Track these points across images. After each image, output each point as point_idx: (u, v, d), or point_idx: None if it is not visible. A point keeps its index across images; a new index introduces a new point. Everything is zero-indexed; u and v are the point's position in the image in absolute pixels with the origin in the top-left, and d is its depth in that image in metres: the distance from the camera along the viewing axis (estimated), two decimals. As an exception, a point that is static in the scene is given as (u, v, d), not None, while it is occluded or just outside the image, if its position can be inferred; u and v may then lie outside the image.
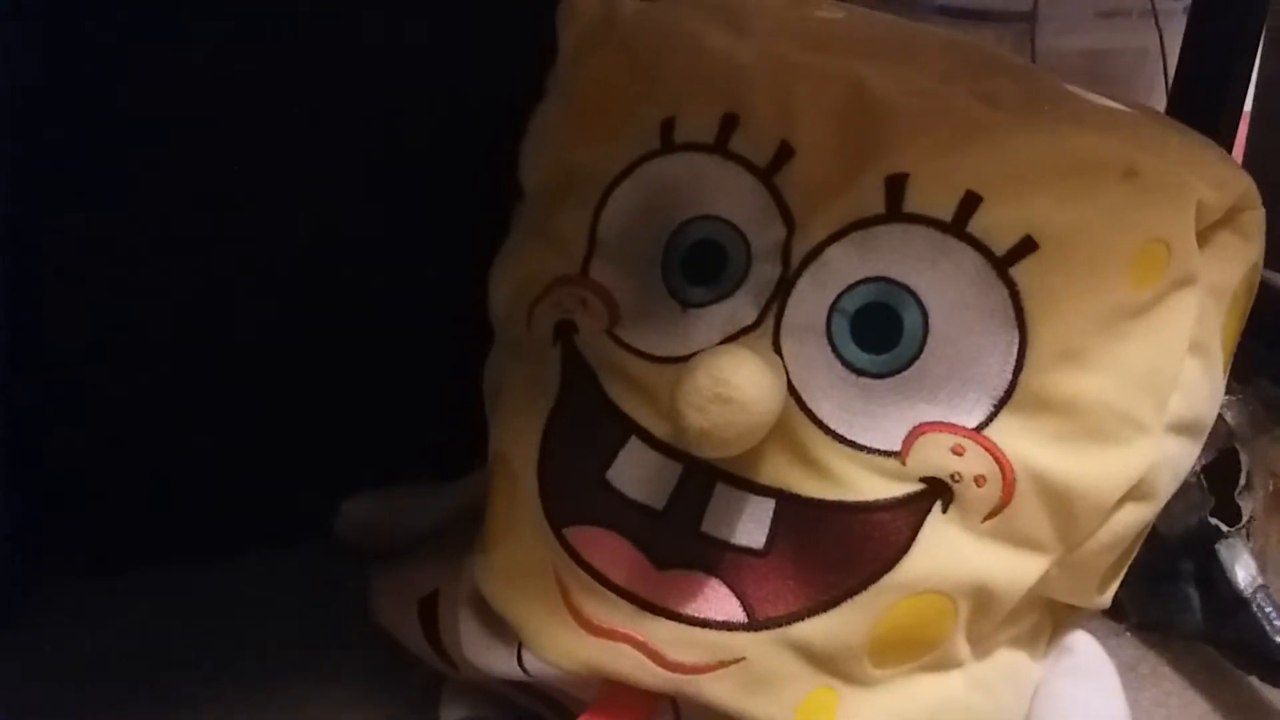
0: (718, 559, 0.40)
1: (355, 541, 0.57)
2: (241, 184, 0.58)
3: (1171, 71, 0.81)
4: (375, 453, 0.57)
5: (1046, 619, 0.47)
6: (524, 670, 0.42)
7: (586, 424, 0.43)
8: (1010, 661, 0.45)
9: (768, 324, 0.41)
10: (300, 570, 0.61)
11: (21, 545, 0.59)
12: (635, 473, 0.42)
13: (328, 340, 0.60)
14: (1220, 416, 0.55)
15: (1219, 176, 0.42)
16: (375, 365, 0.60)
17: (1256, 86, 0.78)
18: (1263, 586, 0.57)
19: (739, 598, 0.40)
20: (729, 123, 0.43)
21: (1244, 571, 0.57)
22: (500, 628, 0.43)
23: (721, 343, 0.41)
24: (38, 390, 0.59)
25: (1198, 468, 0.57)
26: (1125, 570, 0.46)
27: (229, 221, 0.59)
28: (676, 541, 0.41)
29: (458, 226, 0.54)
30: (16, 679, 0.55)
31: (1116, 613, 0.59)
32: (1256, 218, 0.44)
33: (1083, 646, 0.47)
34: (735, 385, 0.37)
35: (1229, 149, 0.68)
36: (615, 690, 0.41)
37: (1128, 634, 0.62)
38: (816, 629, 0.40)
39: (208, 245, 0.59)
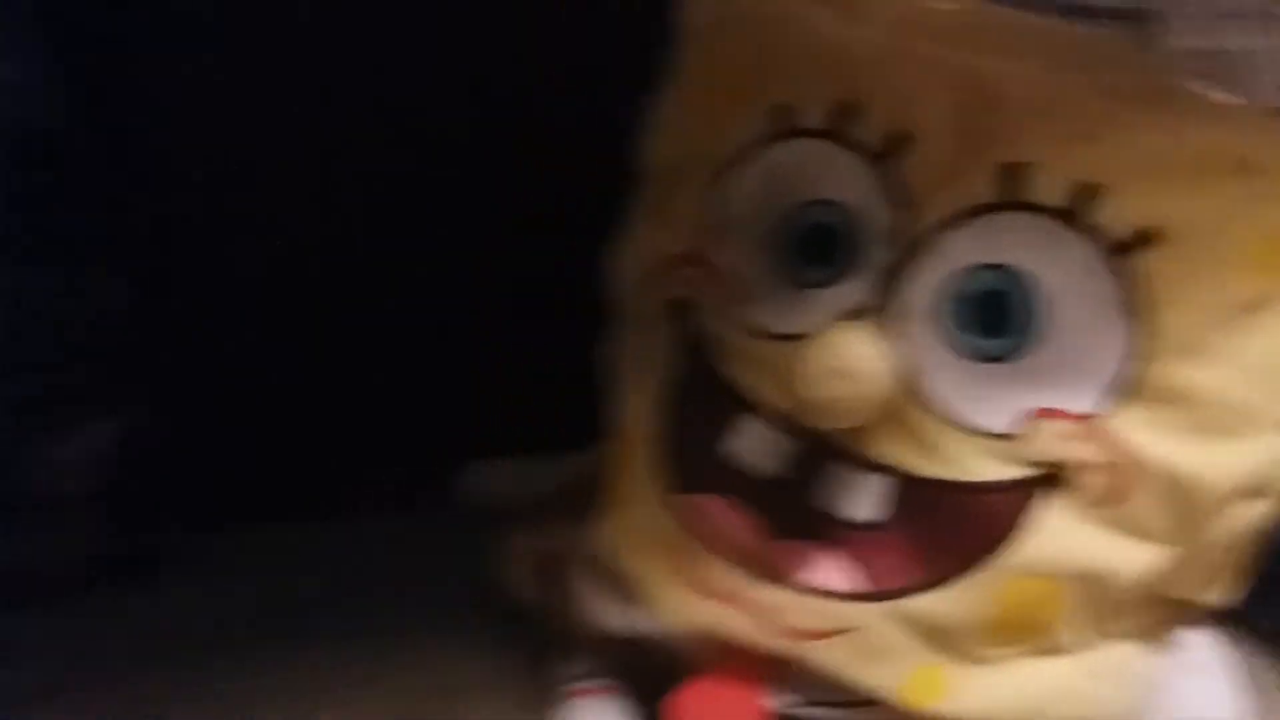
0: (834, 531, 0.42)
1: (476, 505, 0.60)
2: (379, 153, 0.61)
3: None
4: (497, 421, 0.60)
5: (1161, 614, 0.47)
6: (641, 630, 0.44)
7: (704, 398, 0.45)
8: (1121, 653, 0.45)
9: (883, 306, 0.42)
10: (425, 530, 0.64)
11: (156, 499, 0.63)
12: (752, 445, 0.43)
13: (459, 307, 0.62)
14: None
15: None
16: (503, 336, 0.63)
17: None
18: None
19: (855, 569, 0.41)
20: (846, 110, 0.44)
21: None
22: (619, 589, 0.45)
23: (837, 321, 0.42)
24: (172, 349, 0.63)
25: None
26: (1246, 571, 0.46)
27: (366, 179, 0.62)
28: (793, 512, 0.42)
29: (581, 203, 0.57)
30: (148, 630, 0.59)
31: (1241, 617, 0.58)
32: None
33: (1199, 644, 0.47)
34: (851, 360, 0.39)
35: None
36: (730, 653, 0.43)
37: (1253, 641, 0.61)
38: (929, 604, 0.41)
39: (344, 206, 0.62)
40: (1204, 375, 0.40)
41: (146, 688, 0.54)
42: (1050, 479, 0.40)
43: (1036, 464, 0.40)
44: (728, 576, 0.42)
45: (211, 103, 0.62)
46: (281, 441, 0.64)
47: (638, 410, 0.46)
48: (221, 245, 0.63)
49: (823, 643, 0.41)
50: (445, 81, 0.63)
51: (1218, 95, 0.45)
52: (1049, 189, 0.40)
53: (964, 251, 0.41)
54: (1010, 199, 0.41)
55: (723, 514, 0.43)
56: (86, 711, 0.53)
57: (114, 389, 0.59)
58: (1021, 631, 0.42)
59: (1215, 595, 0.46)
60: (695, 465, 0.44)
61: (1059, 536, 0.41)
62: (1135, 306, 0.40)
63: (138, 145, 0.62)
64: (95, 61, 0.60)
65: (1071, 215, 0.40)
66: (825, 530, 0.42)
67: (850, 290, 0.43)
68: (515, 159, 0.63)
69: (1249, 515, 0.43)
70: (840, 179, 0.44)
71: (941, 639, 0.41)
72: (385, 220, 0.64)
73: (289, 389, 0.64)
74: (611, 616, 0.45)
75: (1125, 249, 0.40)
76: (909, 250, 0.42)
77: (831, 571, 0.42)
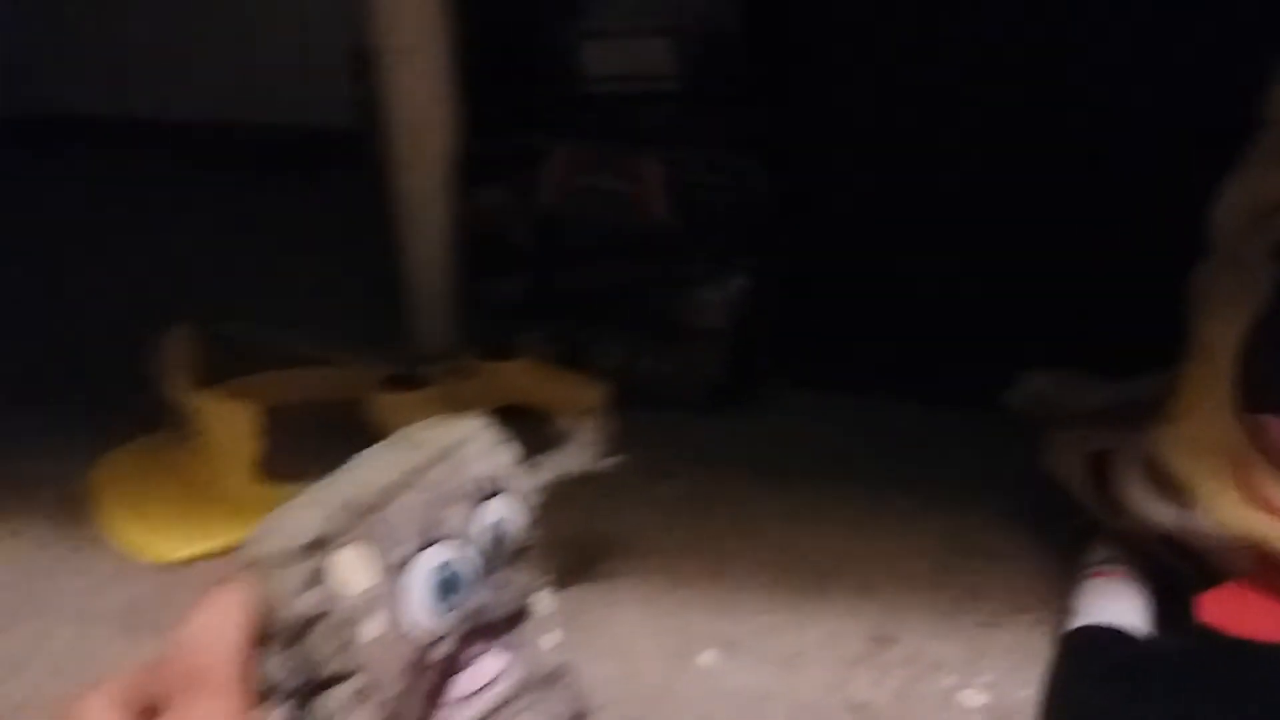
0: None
1: (1023, 410, 0.66)
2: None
3: None
4: (1052, 334, 0.66)
5: None
6: (1185, 527, 0.49)
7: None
8: None
9: None
10: (974, 425, 0.71)
11: (764, 345, 0.76)
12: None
13: (1053, 227, 0.68)
14: None
15: None
16: (1089, 257, 0.68)
17: None
18: None
19: None
20: None
21: None
22: (1169, 487, 0.49)
23: None
24: (795, 228, 0.74)
25: None
26: None
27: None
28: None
29: (1191, 148, 0.60)
30: (715, 453, 0.71)
31: None
32: None
33: None
34: None
35: None
36: (1271, 564, 0.46)
37: None
38: None
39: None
40: None
41: (755, 499, 0.67)
42: None
43: None
44: (1286, 493, 0.46)
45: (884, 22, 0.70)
46: (870, 319, 0.74)
47: (1224, 337, 0.49)
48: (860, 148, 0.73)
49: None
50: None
51: None
52: None
53: None
54: None
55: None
56: (686, 509, 0.67)
57: (748, 251, 0.72)
58: None
59: None
60: (1274, 391, 0.47)
61: None
62: None
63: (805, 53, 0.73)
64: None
65: None
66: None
67: None
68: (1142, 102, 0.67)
69: None
70: None
71: None
72: (1017, 148, 0.70)
73: (889, 276, 0.73)
74: (1156, 513, 0.50)
75: None
76: None
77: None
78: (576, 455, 0.55)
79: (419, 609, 0.35)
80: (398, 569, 0.35)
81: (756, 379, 0.76)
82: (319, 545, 0.34)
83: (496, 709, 0.38)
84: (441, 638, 0.36)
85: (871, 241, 0.73)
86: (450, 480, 0.38)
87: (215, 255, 0.94)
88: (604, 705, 0.50)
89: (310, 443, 0.54)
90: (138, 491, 0.61)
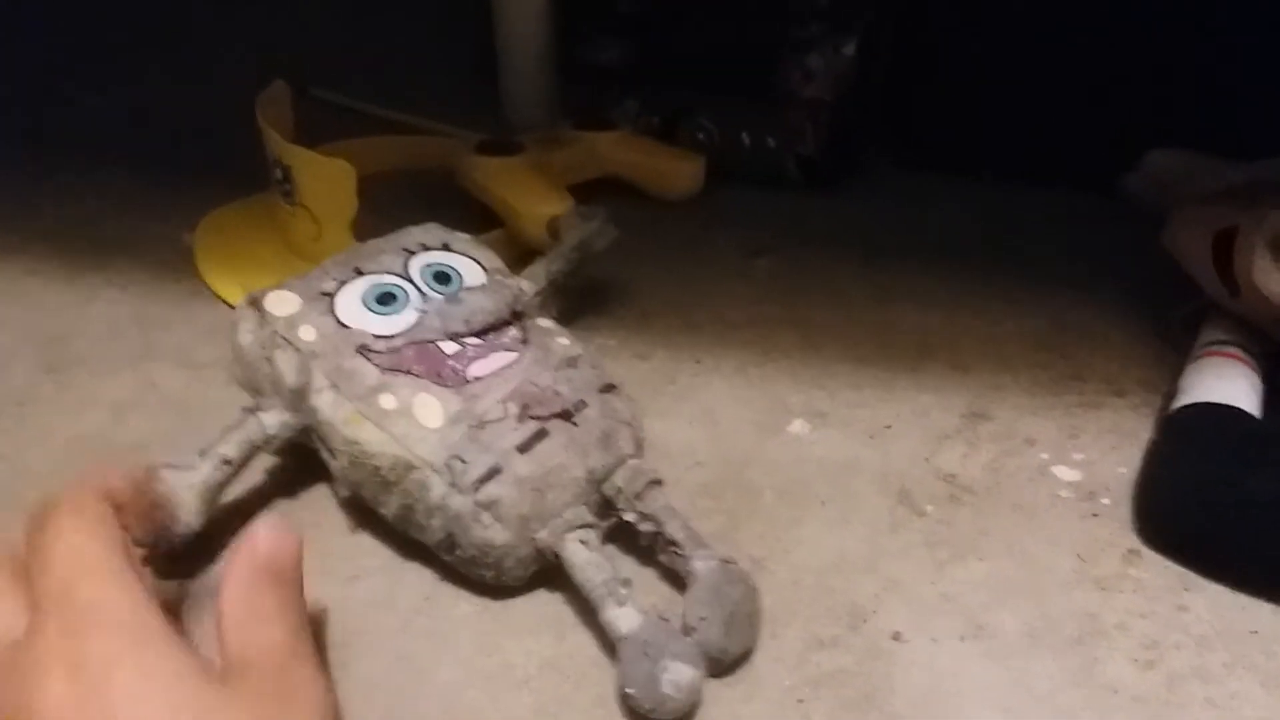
0: None
1: (1143, 191, 0.61)
2: None
3: None
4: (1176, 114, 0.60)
5: None
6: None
7: None
8: None
9: None
10: (1088, 209, 0.67)
11: (866, 122, 0.71)
12: None
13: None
14: None
15: None
16: (1213, 35, 0.62)
17: None
18: None
19: None
20: None
21: None
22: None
23: None
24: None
25: None
26: None
27: None
28: None
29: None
30: (813, 230, 0.68)
31: None
32: None
33: None
34: None
35: None
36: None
37: None
38: None
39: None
40: None
41: (851, 277, 0.64)
42: None
43: None
44: None
45: None
46: (986, 96, 0.69)
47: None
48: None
49: None
50: None
51: None
52: None
53: None
54: None
55: None
56: (780, 285, 0.64)
57: (861, 16, 0.66)
58: None
59: None
60: None
61: None
62: None
63: None
64: None
65: None
66: None
67: None
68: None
69: None
70: None
71: None
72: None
73: (1009, 49, 0.67)
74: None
75: None
76: None
77: None
78: (581, 233, 0.55)
79: (358, 315, 0.45)
80: (326, 295, 0.46)
81: (860, 156, 0.72)
82: (256, 300, 0.46)
83: (525, 383, 0.44)
84: (400, 333, 0.45)
85: (992, 11, 0.66)
86: (384, 244, 0.49)
87: (314, 26, 0.91)
88: (693, 466, 0.49)
89: (401, 208, 0.53)
90: (238, 248, 0.61)
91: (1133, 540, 0.46)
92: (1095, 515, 0.48)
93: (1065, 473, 0.50)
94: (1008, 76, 0.68)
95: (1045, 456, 0.51)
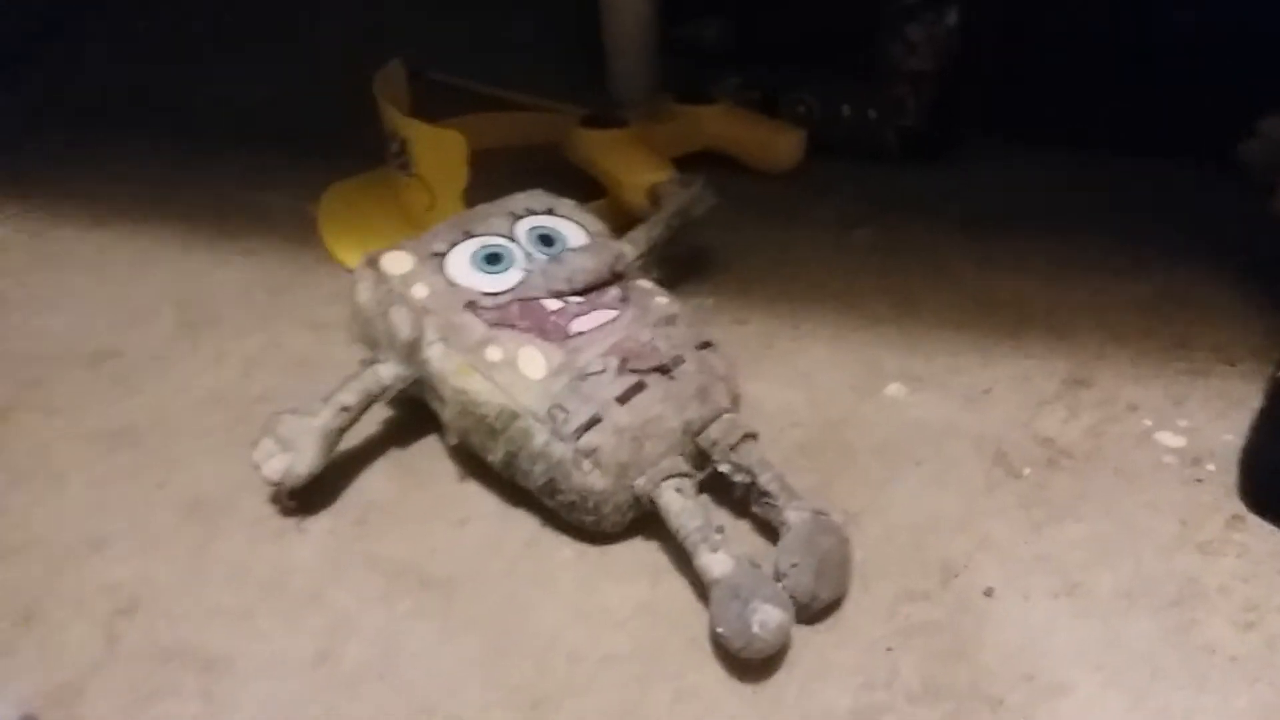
0: None
1: (1256, 159, 0.59)
2: None
3: None
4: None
5: None
6: None
7: None
8: None
9: None
10: (1197, 178, 0.66)
11: (968, 93, 0.71)
12: None
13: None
14: None
15: None
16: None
17: None
18: None
19: None
20: None
21: None
22: None
23: None
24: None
25: None
26: None
27: None
28: None
29: None
30: (913, 201, 0.67)
31: None
32: None
33: None
34: None
35: None
36: None
37: None
38: None
39: None
40: None
41: (952, 246, 0.64)
42: None
43: None
44: None
45: None
46: (1091, 65, 0.67)
47: None
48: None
49: None
50: None
51: None
52: None
53: None
54: None
55: None
56: (879, 254, 0.64)
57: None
58: None
59: None
60: None
61: None
62: None
63: None
64: None
65: None
66: None
67: None
68: None
69: None
70: None
71: None
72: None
73: (1115, 17, 0.66)
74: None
75: None
76: None
77: None
78: (681, 199, 0.56)
79: (467, 274, 0.47)
80: (437, 256, 0.48)
81: (961, 128, 0.71)
82: (374, 260, 0.48)
83: (625, 338, 0.45)
84: (506, 290, 0.46)
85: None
86: (492, 209, 0.51)
87: (426, 9, 0.94)
88: (789, 427, 0.50)
89: (511, 181, 0.55)
90: (358, 218, 0.64)
91: (1237, 506, 0.45)
92: (1199, 481, 0.47)
93: (1169, 439, 0.49)
94: (1113, 44, 0.66)
95: (1148, 423, 0.50)
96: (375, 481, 0.47)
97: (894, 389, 0.52)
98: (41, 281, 0.59)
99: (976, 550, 0.44)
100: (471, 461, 0.46)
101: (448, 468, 0.47)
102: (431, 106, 0.66)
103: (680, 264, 0.58)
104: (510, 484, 0.45)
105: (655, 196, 0.58)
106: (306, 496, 0.44)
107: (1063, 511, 0.46)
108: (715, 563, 0.39)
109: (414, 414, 0.49)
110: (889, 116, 0.69)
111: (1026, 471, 0.48)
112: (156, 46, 0.89)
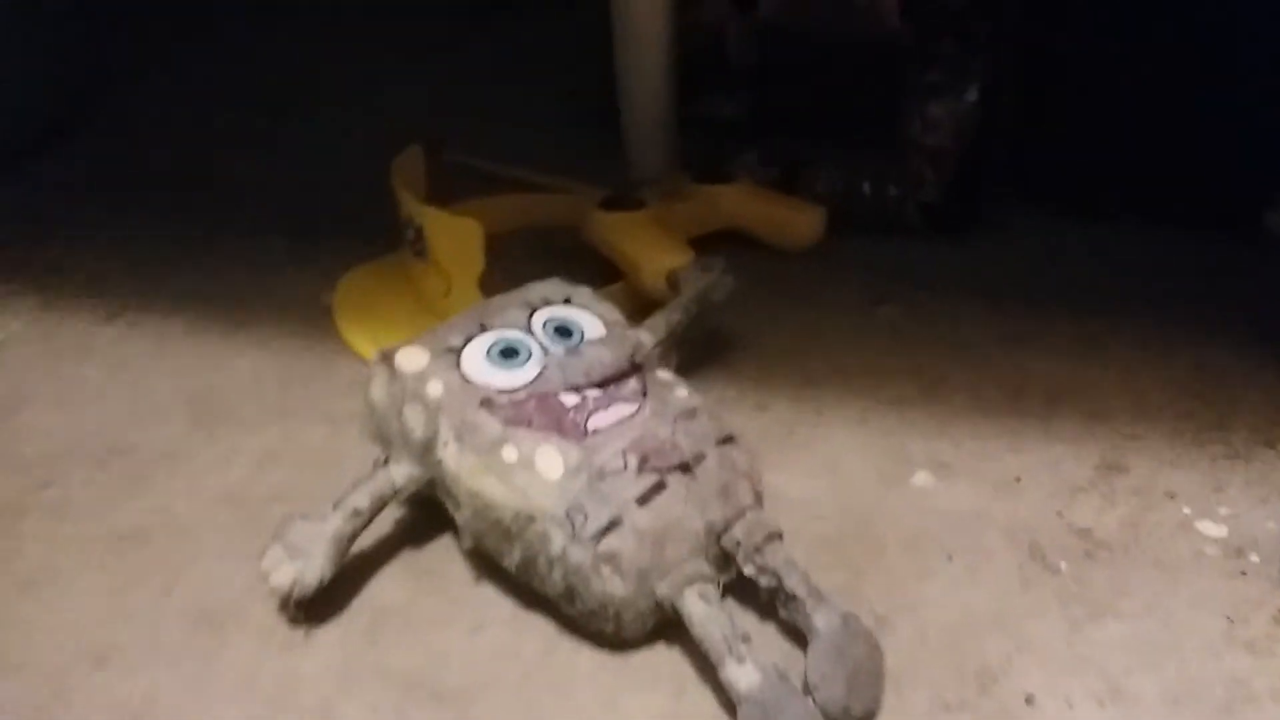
0: None
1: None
2: None
3: None
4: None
5: None
6: None
7: None
8: None
9: None
10: (1227, 250, 0.64)
11: (989, 167, 0.70)
12: None
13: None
14: None
15: None
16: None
17: None
18: None
19: None
20: None
21: None
22: None
23: None
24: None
25: None
26: None
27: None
28: None
29: None
30: (936, 276, 0.66)
31: None
32: None
33: None
34: None
35: None
36: None
37: None
38: None
39: None
40: None
41: (977, 322, 0.63)
42: None
43: None
44: None
45: None
46: (1115, 135, 0.66)
47: None
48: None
49: None
50: None
51: None
52: None
53: None
54: None
55: None
56: (903, 332, 0.63)
57: (984, 61, 0.65)
58: None
59: None
60: None
61: None
62: None
63: None
64: None
65: None
66: None
67: None
68: None
69: None
70: None
71: None
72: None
73: (1140, 87, 0.65)
74: None
75: None
76: None
77: None
78: (700, 284, 0.55)
79: (482, 369, 0.46)
80: (452, 351, 0.46)
81: (983, 202, 0.70)
82: (388, 356, 0.47)
83: (645, 435, 0.44)
84: (522, 386, 0.45)
85: (1121, 49, 0.64)
86: (508, 300, 0.50)
87: (439, 89, 0.94)
88: (813, 519, 0.48)
89: (528, 263, 0.54)
90: (373, 306, 0.63)
91: (1286, 600, 0.43)
92: (1243, 574, 0.45)
93: (1210, 528, 0.47)
94: (1137, 115, 0.65)
95: (1188, 511, 0.48)
96: (386, 585, 0.45)
97: (921, 477, 0.51)
98: (55, 376, 0.59)
99: (1015, 652, 0.42)
100: (486, 561, 0.45)
101: (461, 569, 0.46)
102: (448, 186, 0.66)
103: (698, 346, 0.57)
104: (526, 586, 0.43)
105: (674, 281, 0.57)
106: (316, 604, 0.43)
107: (1103, 608, 0.44)
108: (742, 675, 0.37)
109: (425, 512, 0.47)
110: (910, 192, 0.68)
111: (1063, 565, 0.46)
112: (182, 132, 0.89)
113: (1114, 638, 0.42)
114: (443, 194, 0.63)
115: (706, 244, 0.62)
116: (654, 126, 0.73)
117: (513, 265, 0.57)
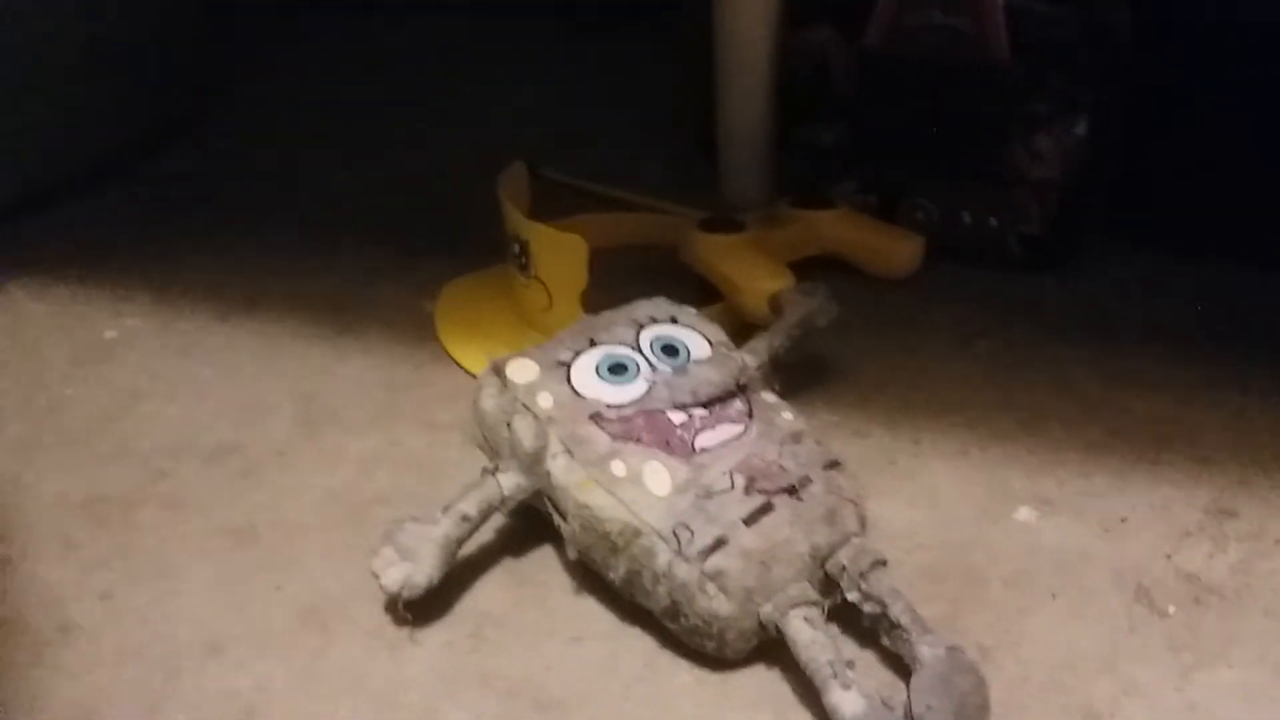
0: None
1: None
2: None
3: None
4: None
5: None
6: None
7: None
8: None
9: None
10: None
11: (1094, 201, 0.69)
12: None
13: None
14: None
15: None
16: None
17: None
18: None
19: None
20: None
21: None
22: None
23: None
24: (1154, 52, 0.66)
25: None
26: None
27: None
28: None
29: None
30: (1037, 311, 0.66)
31: None
32: None
33: None
34: None
35: None
36: None
37: None
38: None
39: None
40: None
41: (1078, 360, 0.61)
42: None
43: None
44: None
45: None
46: (1224, 174, 0.65)
47: None
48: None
49: None
50: None
51: None
52: None
53: None
54: None
55: None
56: (1003, 367, 0.62)
57: (1093, 94, 0.64)
58: None
59: None
60: None
61: None
62: None
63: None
64: None
65: None
66: None
67: None
68: None
69: None
70: None
71: None
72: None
73: (1249, 124, 0.64)
74: None
75: None
76: None
77: None
78: (804, 309, 0.55)
79: (591, 384, 0.46)
80: (562, 365, 0.47)
81: (1087, 236, 0.69)
82: (499, 367, 0.48)
83: (752, 455, 0.44)
84: (630, 402, 0.46)
85: (1234, 86, 0.63)
86: (615, 316, 0.51)
87: (543, 108, 0.95)
88: (914, 549, 0.48)
89: (626, 282, 0.55)
90: (475, 317, 0.64)
91: None
92: (1362, 627, 0.43)
93: (1326, 578, 0.46)
94: (1246, 153, 0.64)
95: (1302, 560, 0.47)
96: (489, 592, 0.46)
97: (1024, 513, 0.50)
98: (169, 373, 0.60)
99: (1121, 695, 0.41)
100: (586, 573, 0.45)
101: (561, 579, 0.46)
102: (547, 204, 0.67)
103: (795, 370, 0.57)
104: (626, 600, 0.44)
105: (777, 305, 0.57)
106: (421, 606, 0.44)
107: (1213, 656, 0.43)
108: (847, 701, 0.37)
109: (528, 521, 0.48)
110: (1011, 224, 0.67)
111: (1171, 609, 0.45)
112: (291, 139, 0.91)
113: (1225, 685, 0.41)
114: (543, 211, 0.63)
115: (803, 270, 0.62)
116: (754, 152, 0.73)
117: (610, 282, 0.57)
